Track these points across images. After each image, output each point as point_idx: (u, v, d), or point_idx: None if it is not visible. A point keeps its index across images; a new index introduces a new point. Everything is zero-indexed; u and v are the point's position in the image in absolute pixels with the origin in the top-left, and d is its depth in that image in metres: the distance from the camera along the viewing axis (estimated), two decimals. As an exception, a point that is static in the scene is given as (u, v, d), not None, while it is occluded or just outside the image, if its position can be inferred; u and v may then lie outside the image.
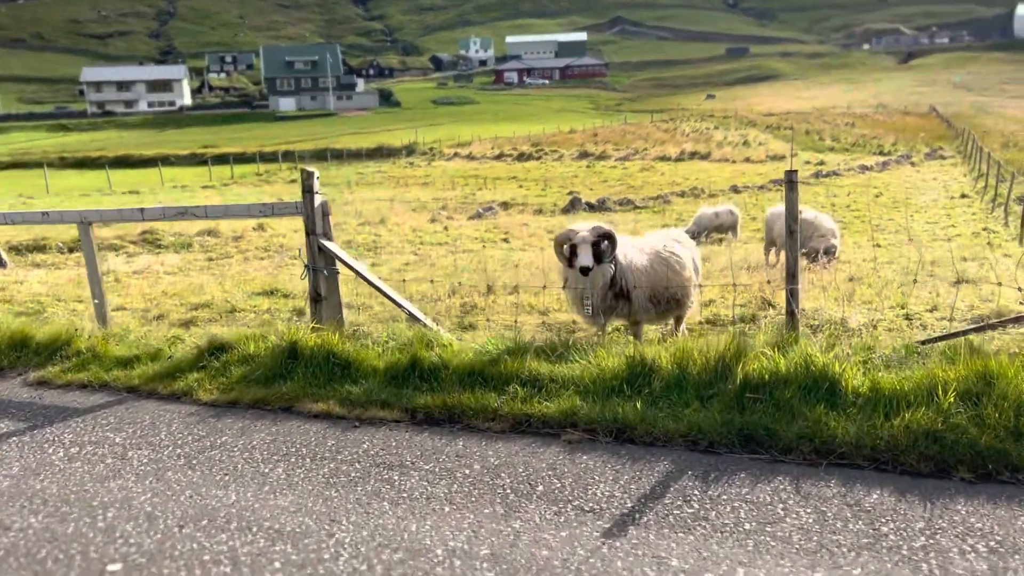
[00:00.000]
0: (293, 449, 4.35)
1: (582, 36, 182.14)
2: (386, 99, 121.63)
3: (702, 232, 16.05)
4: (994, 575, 2.92)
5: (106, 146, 69.97)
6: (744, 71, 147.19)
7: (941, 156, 38.98)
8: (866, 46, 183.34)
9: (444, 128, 74.90)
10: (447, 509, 3.59)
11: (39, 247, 16.02)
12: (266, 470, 4.09)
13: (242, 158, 55.79)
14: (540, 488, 3.75)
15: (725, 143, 49.24)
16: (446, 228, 19.06)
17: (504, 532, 3.36)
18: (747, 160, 41.31)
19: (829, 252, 11.06)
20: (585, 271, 5.56)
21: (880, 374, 4.40)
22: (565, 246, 5.80)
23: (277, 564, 3.18)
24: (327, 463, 4.14)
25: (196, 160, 57.08)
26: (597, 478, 3.83)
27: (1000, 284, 6.71)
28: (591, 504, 3.58)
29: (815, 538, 3.21)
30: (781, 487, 3.65)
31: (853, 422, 4.00)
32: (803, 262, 10.77)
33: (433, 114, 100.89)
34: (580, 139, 56.48)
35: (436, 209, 23.56)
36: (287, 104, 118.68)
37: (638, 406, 4.39)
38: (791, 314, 5.25)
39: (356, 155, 56.04)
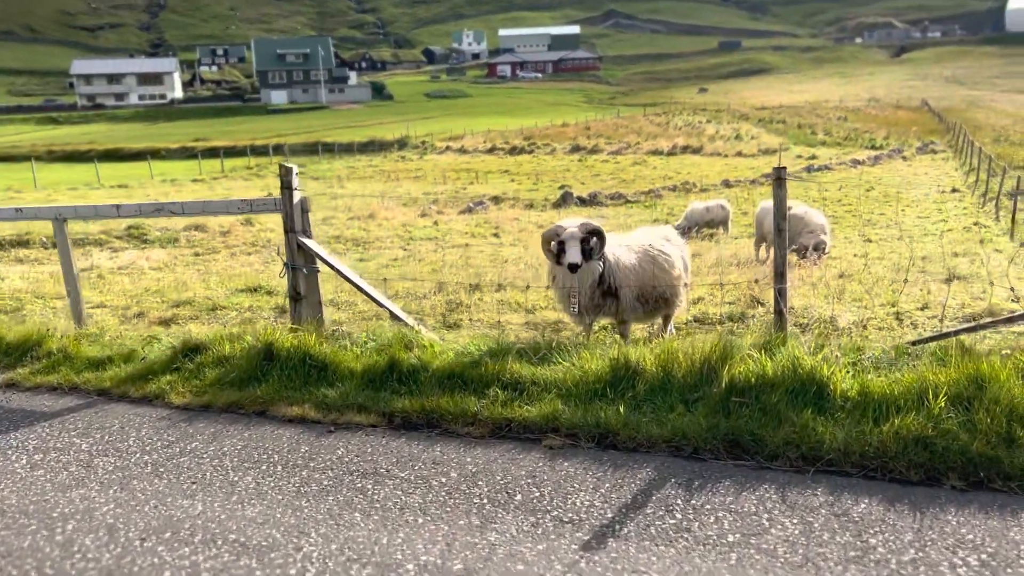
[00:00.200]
0: (265, 456, 4.21)
1: (575, 29, 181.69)
2: (378, 92, 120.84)
3: (693, 227, 15.94)
4: (986, 591, 2.81)
5: (96, 139, 69.26)
6: (737, 65, 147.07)
7: (933, 150, 38.95)
8: (859, 40, 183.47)
9: (436, 121, 74.53)
10: (421, 520, 3.45)
11: (22, 242, 15.76)
12: (235, 478, 3.94)
13: (233, 151, 55.31)
14: (518, 497, 3.62)
15: (717, 137, 49.11)
16: (436, 223, 18.91)
17: (479, 545, 3.22)
18: (739, 154, 41.25)
19: (819, 248, 10.94)
20: (573, 268, 5.41)
21: (869, 377, 4.28)
22: (553, 242, 5.64)
23: (240, 580, 3.04)
24: (299, 471, 4.00)
25: (187, 154, 56.61)
26: (577, 486, 3.70)
27: (992, 284, 6.61)
28: (570, 514, 3.45)
29: (801, 551, 3.09)
30: (767, 496, 3.52)
31: (841, 428, 3.88)
32: (793, 258, 10.66)
33: (425, 107, 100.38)
34: (573, 133, 56.22)
35: (427, 204, 23.38)
36: (279, 97, 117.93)
37: (621, 410, 4.26)
38: (779, 313, 5.14)
39: (348, 148, 55.63)
